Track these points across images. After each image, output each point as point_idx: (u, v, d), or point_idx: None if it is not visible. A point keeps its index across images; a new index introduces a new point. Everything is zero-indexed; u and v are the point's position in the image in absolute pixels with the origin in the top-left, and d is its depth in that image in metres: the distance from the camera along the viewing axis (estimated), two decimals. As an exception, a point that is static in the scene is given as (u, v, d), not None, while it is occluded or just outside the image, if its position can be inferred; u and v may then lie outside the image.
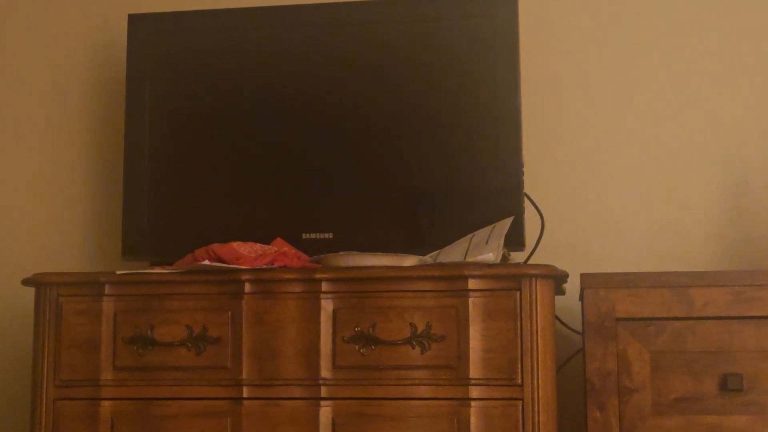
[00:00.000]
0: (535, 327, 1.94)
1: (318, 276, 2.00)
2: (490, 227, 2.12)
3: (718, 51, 2.50)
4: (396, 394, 1.96)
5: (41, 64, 2.73)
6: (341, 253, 2.10)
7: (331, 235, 2.29)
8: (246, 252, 2.08)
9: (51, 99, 2.72)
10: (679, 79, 2.51)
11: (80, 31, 2.72)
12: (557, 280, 2.01)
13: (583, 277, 2.00)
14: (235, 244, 2.09)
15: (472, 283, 1.95)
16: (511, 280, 1.96)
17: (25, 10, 2.76)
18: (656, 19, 2.53)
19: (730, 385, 1.93)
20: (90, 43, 2.71)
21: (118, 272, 2.07)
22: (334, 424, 1.97)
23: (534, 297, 1.95)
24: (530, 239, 2.29)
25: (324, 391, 1.98)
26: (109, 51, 2.68)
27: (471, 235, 2.14)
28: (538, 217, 2.32)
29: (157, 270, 2.11)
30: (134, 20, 2.45)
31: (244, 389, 2.00)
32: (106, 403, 2.04)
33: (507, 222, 2.10)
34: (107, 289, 2.06)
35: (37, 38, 2.75)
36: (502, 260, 2.05)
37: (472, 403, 1.93)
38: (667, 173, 2.49)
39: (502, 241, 2.05)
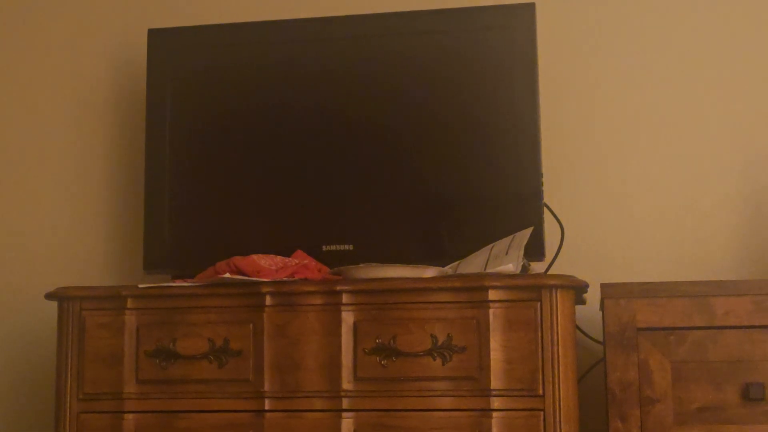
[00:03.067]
0: (555, 337, 1.94)
1: (339, 288, 2.00)
2: (509, 238, 2.12)
3: (737, 59, 2.50)
4: (417, 406, 1.96)
5: (63, 80, 2.75)
6: (361, 265, 2.10)
7: (351, 247, 2.30)
8: (267, 264, 2.09)
9: (72, 114, 2.74)
10: (698, 87, 2.51)
11: (101, 47, 2.74)
12: (577, 290, 2.01)
13: (604, 287, 2.00)
14: (256, 257, 2.10)
15: (492, 294, 1.96)
16: (531, 291, 1.96)
17: (45, 27, 2.78)
18: (674, 28, 2.53)
19: (752, 395, 1.93)
20: (111, 58, 2.73)
21: (140, 286, 2.08)
22: (355, 435, 1.98)
23: (554, 307, 1.95)
24: (550, 249, 2.29)
25: (345, 403, 1.98)
26: (129, 66, 2.70)
27: (491, 245, 2.14)
28: (558, 226, 2.32)
29: (178, 283, 2.11)
30: (154, 35, 2.47)
31: (266, 401, 2.01)
32: (129, 416, 2.05)
33: (527, 232, 2.11)
34: (130, 303, 2.07)
35: (59, 55, 2.76)
36: (522, 271, 2.05)
37: (494, 414, 1.93)
38: (686, 182, 2.48)
39: (522, 252, 2.05)
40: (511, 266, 1.99)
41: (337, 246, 2.30)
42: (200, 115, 2.44)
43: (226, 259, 2.10)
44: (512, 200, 2.26)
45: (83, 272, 2.63)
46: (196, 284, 2.08)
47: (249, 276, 2.05)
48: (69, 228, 2.69)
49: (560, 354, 1.94)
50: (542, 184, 2.26)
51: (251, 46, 2.44)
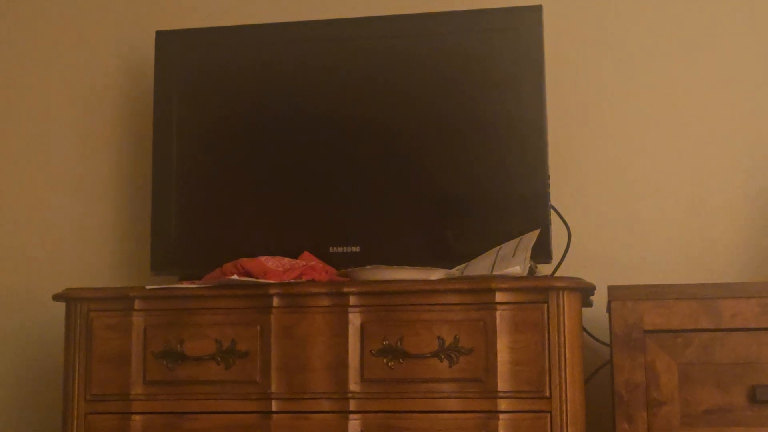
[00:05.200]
0: (562, 339, 1.94)
1: (346, 290, 2.01)
2: (516, 240, 2.12)
3: (743, 61, 2.50)
4: (424, 407, 1.97)
5: (71, 82, 2.76)
6: (368, 266, 2.11)
7: (358, 248, 2.30)
8: (274, 266, 2.10)
9: (80, 115, 2.74)
10: (705, 89, 2.50)
11: (108, 49, 2.74)
12: (584, 292, 2.01)
13: (611, 289, 2.00)
14: (263, 259, 2.11)
15: (499, 296, 1.96)
16: (538, 293, 1.96)
17: (53, 28, 2.79)
18: (681, 30, 2.53)
19: (759, 397, 1.92)
20: (118, 60, 2.73)
21: (147, 287, 2.09)
22: (362, 437, 1.98)
23: (561, 309, 1.95)
24: (557, 251, 2.29)
25: (352, 405, 1.99)
26: (137, 67, 2.70)
27: (498, 247, 2.14)
28: (565, 228, 2.32)
29: (186, 285, 2.12)
30: (161, 37, 2.47)
31: (273, 403, 2.01)
32: (136, 417, 2.05)
33: (534, 234, 2.11)
34: (137, 304, 2.08)
35: (66, 56, 2.77)
36: (529, 273, 2.06)
37: (501, 416, 1.94)
38: (693, 183, 2.48)
39: (528, 254, 2.05)
40: (518, 268, 2.00)
41: (344, 247, 2.31)
42: (207, 117, 2.44)
43: (234, 261, 2.11)
44: (519, 202, 2.26)
45: (91, 273, 2.64)
46: (204, 285, 2.08)
47: (256, 277, 2.05)
48: (76, 229, 2.70)
49: (567, 356, 1.94)
50: (549, 186, 2.26)
51: (258, 48, 2.44)
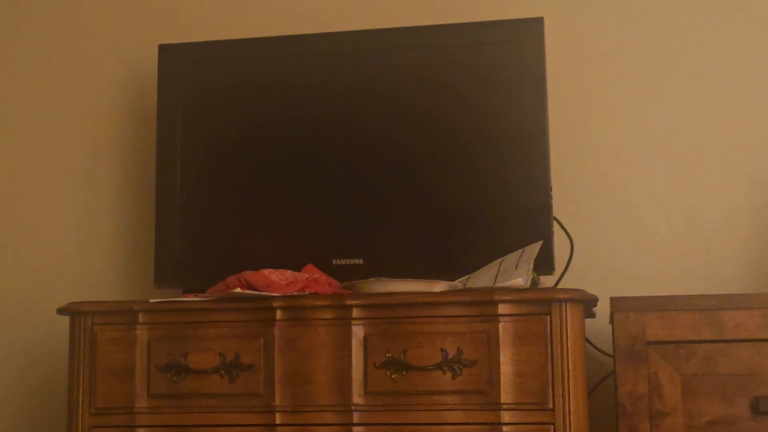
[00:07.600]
0: (565, 351, 1.94)
1: (349, 302, 2.01)
2: (519, 252, 2.13)
3: (745, 71, 2.50)
4: (428, 420, 1.97)
5: (74, 95, 2.77)
6: (372, 279, 2.11)
7: (361, 261, 2.31)
8: (277, 279, 2.10)
9: (84, 129, 2.75)
10: (707, 99, 2.51)
11: (112, 62, 2.75)
12: (587, 303, 2.02)
13: (613, 300, 2.00)
14: (267, 272, 2.11)
15: (502, 308, 1.96)
16: (541, 305, 1.96)
17: (56, 42, 2.80)
18: (682, 40, 2.54)
19: (762, 408, 1.92)
20: (122, 73, 2.74)
21: (151, 301, 2.09)
22: (366, 449, 1.98)
23: (564, 321, 1.95)
24: (559, 263, 2.29)
25: (356, 417, 1.99)
26: (140, 81, 2.71)
27: (500, 259, 2.14)
28: (567, 240, 2.32)
29: (189, 298, 2.12)
30: (165, 50, 2.48)
31: (277, 416, 2.01)
32: (140, 431, 2.06)
33: (536, 246, 2.11)
34: (141, 318, 2.08)
35: (70, 70, 2.78)
36: (531, 285, 2.06)
37: (504, 428, 1.93)
38: (695, 194, 2.48)
39: (531, 266, 2.05)
40: (520, 280, 2.00)
41: (347, 260, 2.31)
42: (211, 130, 2.45)
43: (237, 274, 2.11)
44: (522, 214, 2.27)
45: (94, 287, 2.64)
46: (207, 299, 2.09)
47: (259, 290, 2.06)
48: (80, 243, 2.70)
49: (570, 367, 1.94)
50: (551, 198, 2.27)
51: (261, 61, 2.45)
